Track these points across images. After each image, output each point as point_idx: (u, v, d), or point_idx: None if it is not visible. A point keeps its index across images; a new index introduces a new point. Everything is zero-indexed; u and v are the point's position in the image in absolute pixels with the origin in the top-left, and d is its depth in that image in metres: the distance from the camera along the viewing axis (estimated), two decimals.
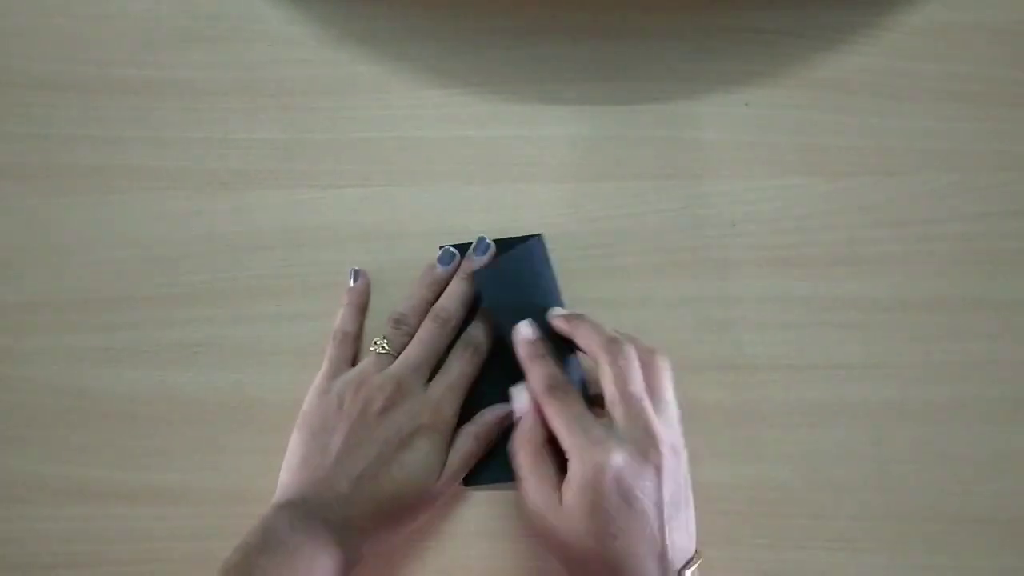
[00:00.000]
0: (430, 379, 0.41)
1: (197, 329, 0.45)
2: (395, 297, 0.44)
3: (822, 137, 0.46)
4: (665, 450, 0.36)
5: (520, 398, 0.40)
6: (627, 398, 0.37)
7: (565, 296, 0.44)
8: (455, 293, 0.43)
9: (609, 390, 0.38)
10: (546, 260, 0.44)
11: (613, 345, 0.38)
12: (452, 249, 0.45)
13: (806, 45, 0.48)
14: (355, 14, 0.48)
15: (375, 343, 0.42)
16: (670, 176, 0.46)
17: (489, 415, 0.42)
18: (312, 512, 0.37)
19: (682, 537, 0.36)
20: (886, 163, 0.46)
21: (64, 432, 0.44)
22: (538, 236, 0.45)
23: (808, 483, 0.42)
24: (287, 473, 0.40)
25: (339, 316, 0.44)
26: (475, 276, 0.43)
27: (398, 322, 0.43)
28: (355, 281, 0.45)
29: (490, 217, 0.46)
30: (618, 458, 0.35)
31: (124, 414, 0.44)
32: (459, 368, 0.42)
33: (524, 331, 0.41)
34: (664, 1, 0.48)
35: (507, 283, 0.43)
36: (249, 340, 0.45)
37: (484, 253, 0.44)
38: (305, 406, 0.42)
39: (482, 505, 0.42)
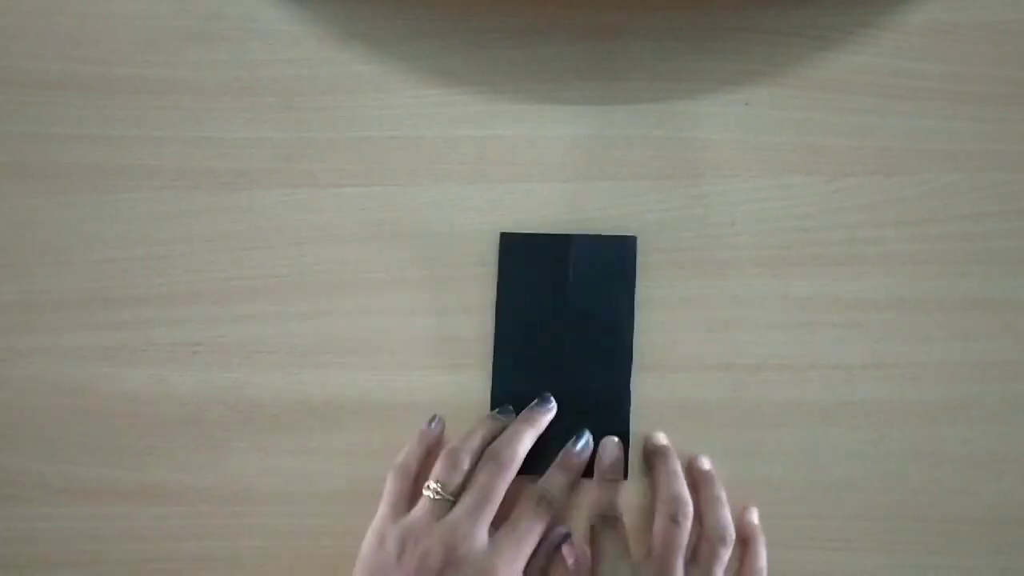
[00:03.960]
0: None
1: (197, 329, 0.45)
2: (395, 299, 0.44)
3: (822, 137, 0.46)
4: None
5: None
6: (662, 560, 0.39)
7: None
8: (518, 437, 0.41)
9: (654, 542, 0.40)
10: (633, 263, 0.45)
11: (675, 504, 0.40)
12: (510, 407, 0.43)
13: (806, 45, 0.47)
14: (355, 14, 0.48)
15: (428, 487, 0.40)
16: (670, 176, 0.46)
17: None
18: None
19: None
20: (886, 163, 0.46)
21: (64, 432, 0.44)
22: (634, 237, 0.45)
23: (808, 483, 0.42)
24: None
25: (404, 452, 0.42)
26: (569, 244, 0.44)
27: (453, 463, 0.40)
28: (431, 425, 0.43)
29: (490, 217, 0.46)
30: None
31: (124, 414, 0.44)
32: (527, 525, 0.39)
33: (609, 451, 0.42)
34: (664, 1, 0.48)
35: (596, 270, 0.44)
36: (249, 340, 0.45)
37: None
38: (364, 549, 0.39)
39: None
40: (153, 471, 0.43)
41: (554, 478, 0.41)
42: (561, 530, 0.42)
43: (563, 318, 0.44)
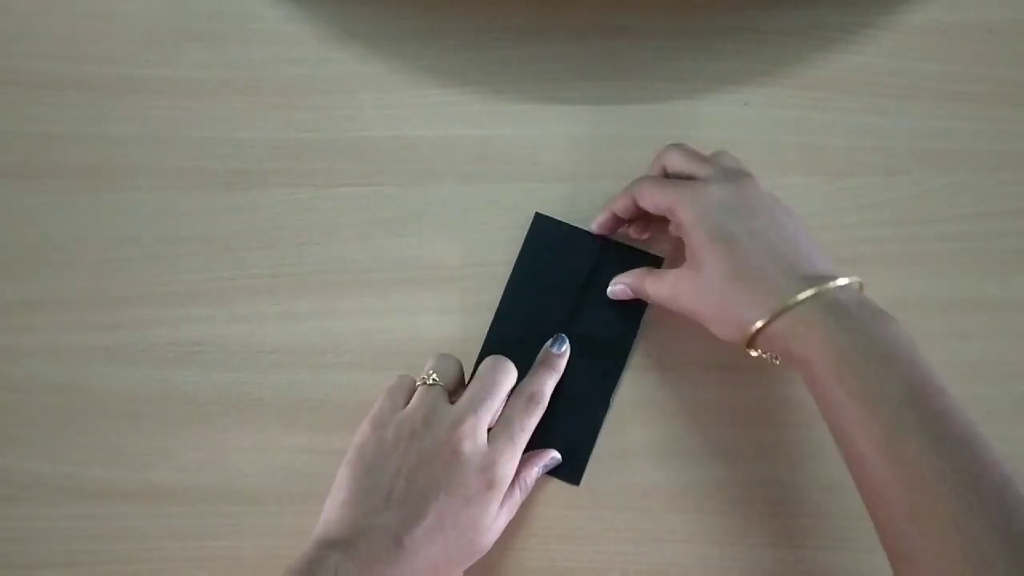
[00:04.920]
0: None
1: (197, 328, 0.45)
2: (395, 299, 0.45)
3: (822, 137, 0.46)
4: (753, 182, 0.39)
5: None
6: (705, 159, 0.41)
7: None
8: (537, 377, 0.41)
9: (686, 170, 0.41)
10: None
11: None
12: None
13: (806, 45, 0.48)
14: (355, 13, 0.48)
15: (424, 375, 0.40)
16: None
17: (531, 475, 0.41)
18: (360, 557, 0.34)
19: (821, 259, 0.38)
20: (886, 163, 0.46)
21: (64, 432, 0.44)
22: (661, 258, 0.45)
23: (808, 483, 0.42)
24: (333, 509, 0.37)
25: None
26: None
27: (446, 356, 0.41)
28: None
29: (490, 217, 0.46)
30: (715, 188, 0.38)
31: (124, 413, 0.44)
32: (519, 422, 0.39)
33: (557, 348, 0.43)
34: (664, 1, 0.48)
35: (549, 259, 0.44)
36: (249, 340, 0.45)
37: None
38: (358, 438, 0.38)
39: None
40: (153, 471, 0.43)
41: (540, 376, 0.41)
42: (555, 455, 0.42)
43: (569, 314, 0.44)
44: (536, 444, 0.41)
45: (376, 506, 0.36)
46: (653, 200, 0.40)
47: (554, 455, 0.42)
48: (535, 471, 0.41)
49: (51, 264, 0.46)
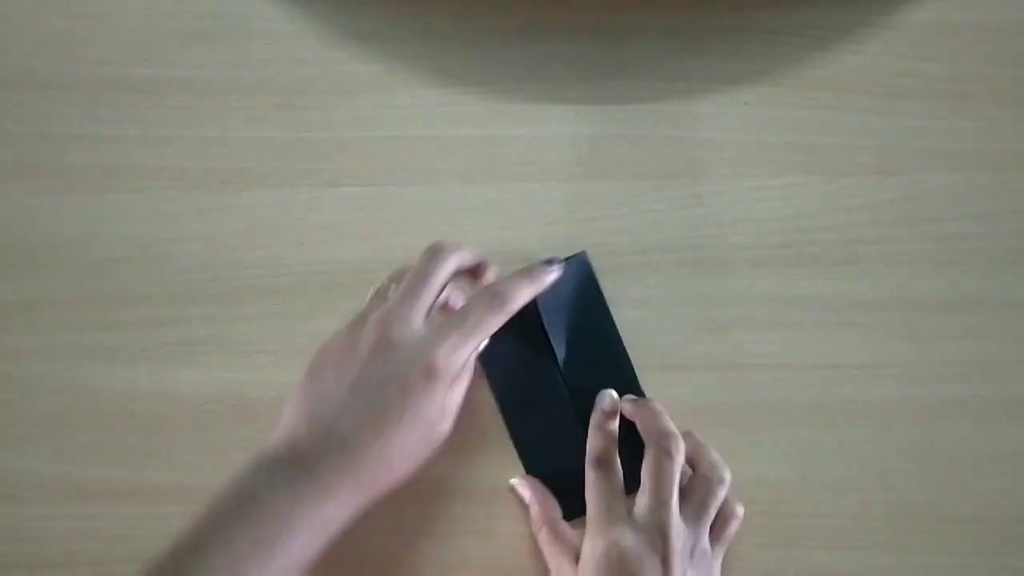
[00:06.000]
0: None
1: (197, 329, 0.45)
2: None
3: (822, 137, 0.46)
4: (674, 546, 0.36)
5: (522, 488, 0.42)
6: (656, 494, 0.38)
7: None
8: (512, 281, 0.39)
9: (644, 477, 0.39)
10: (593, 277, 0.44)
11: (664, 439, 0.39)
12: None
13: (806, 45, 0.48)
14: (355, 13, 0.48)
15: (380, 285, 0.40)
16: (670, 176, 0.46)
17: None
18: (310, 467, 0.34)
19: None
20: (886, 163, 0.46)
21: (64, 432, 0.44)
22: (583, 253, 0.45)
23: (807, 483, 0.42)
24: (285, 415, 0.37)
25: (382, 280, 0.41)
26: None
27: (404, 269, 0.40)
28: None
29: (490, 217, 0.46)
30: (627, 539, 0.37)
31: (123, 413, 0.44)
32: (475, 316, 0.37)
33: (606, 402, 0.42)
34: (664, 1, 0.48)
35: (563, 297, 0.43)
36: (249, 340, 0.45)
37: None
38: (317, 352, 0.39)
39: (482, 505, 0.42)
40: (153, 471, 0.43)
41: (515, 280, 0.39)
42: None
43: (550, 354, 0.43)
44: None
45: (317, 411, 0.36)
46: (643, 429, 0.40)
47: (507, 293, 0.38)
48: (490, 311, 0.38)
49: (51, 264, 0.46)
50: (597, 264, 0.45)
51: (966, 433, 0.43)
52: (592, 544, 0.38)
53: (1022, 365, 0.43)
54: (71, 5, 0.49)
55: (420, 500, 0.42)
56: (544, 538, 0.40)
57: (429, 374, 0.35)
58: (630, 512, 0.38)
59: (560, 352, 0.43)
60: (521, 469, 0.43)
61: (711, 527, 0.39)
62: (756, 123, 0.47)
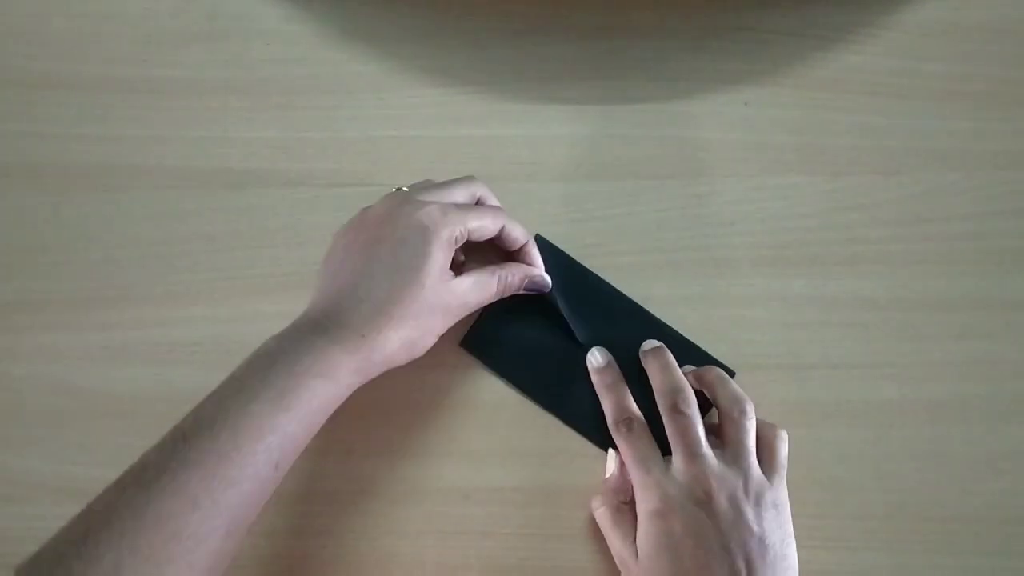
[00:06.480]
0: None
1: (197, 328, 0.45)
2: None
3: (822, 137, 0.46)
4: (718, 494, 0.37)
5: (610, 460, 0.42)
6: (684, 450, 0.39)
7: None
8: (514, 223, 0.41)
9: (669, 437, 0.40)
10: (557, 248, 0.45)
11: (671, 395, 0.40)
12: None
13: (806, 45, 0.48)
14: (354, 13, 0.48)
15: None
16: (670, 175, 0.46)
17: (516, 276, 0.41)
18: (331, 340, 0.36)
19: None
20: (886, 163, 0.46)
21: (64, 432, 0.44)
22: (536, 236, 0.45)
23: (808, 482, 0.42)
24: (318, 290, 0.39)
25: None
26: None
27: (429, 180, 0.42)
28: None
29: None
30: (671, 500, 0.37)
31: (123, 413, 0.44)
32: (466, 211, 0.39)
33: (595, 360, 0.43)
34: (664, 1, 0.48)
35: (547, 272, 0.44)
36: (249, 339, 0.44)
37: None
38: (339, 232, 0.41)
39: (482, 505, 0.42)
40: None
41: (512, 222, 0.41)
42: (543, 275, 0.42)
43: (560, 324, 0.44)
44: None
45: (343, 296, 0.37)
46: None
47: (542, 275, 0.42)
48: (519, 275, 0.41)
49: (51, 264, 0.46)
50: (597, 264, 0.45)
51: (966, 433, 0.43)
52: (643, 511, 0.38)
53: (1022, 365, 0.43)
54: (71, 5, 0.49)
55: (420, 500, 0.42)
56: (605, 517, 0.40)
57: (421, 227, 0.37)
58: (669, 468, 0.39)
59: (570, 320, 0.43)
60: (520, 469, 0.43)
61: (761, 459, 0.39)
62: (756, 123, 0.47)
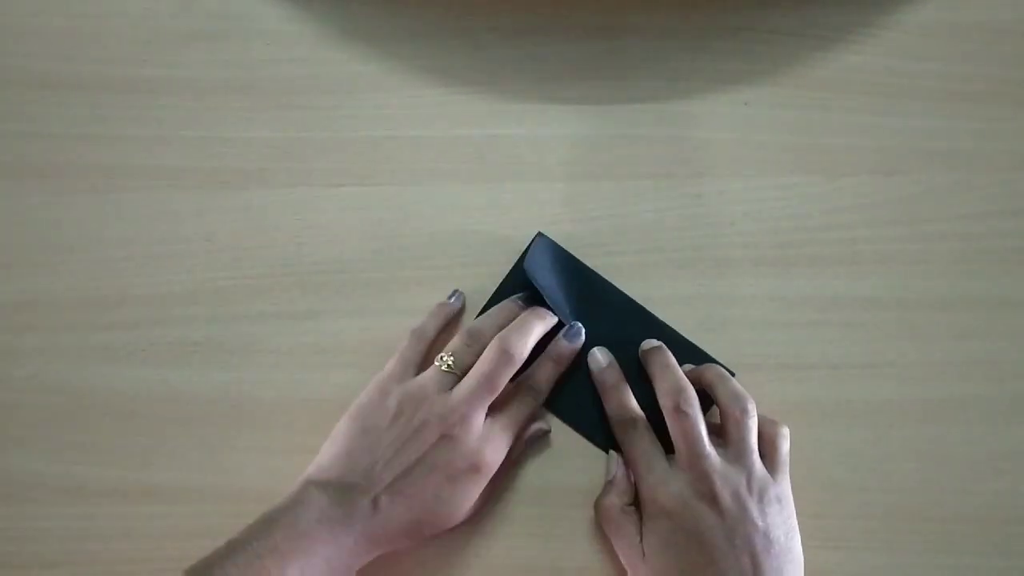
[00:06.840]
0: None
1: (196, 329, 0.45)
2: (395, 299, 0.45)
3: (822, 137, 0.46)
4: (722, 492, 0.37)
5: (611, 461, 0.42)
6: (687, 449, 0.39)
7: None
8: (528, 329, 0.41)
9: (672, 438, 0.39)
10: (560, 248, 0.45)
11: (673, 396, 0.40)
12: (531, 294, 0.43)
13: (806, 45, 0.48)
14: (354, 13, 0.48)
15: (441, 358, 0.40)
16: (669, 175, 0.46)
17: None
18: (339, 507, 0.36)
19: None
20: (886, 163, 0.46)
21: (64, 432, 0.44)
22: (538, 234, 0.45)
23: (808, 482, 0.42)
24: (326, 456, 0.39)
25: (423, 320, 0.43)
26: (526, 265, 0.43)
27: (471, 339, 0.41)
28: (452, 299, 0.44)
29: (490, 217, 0.46)
30: (675, 499, 0.38)
31: (123, 413, 0.44)
32: (517, 411, 0.41)
33: (596, 360, 0.43)
34: (664, 1, 0.48)
35: (549, 270, 0.43)
36: (249, 340, 0.45)
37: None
38: (363, 397, 0.40)
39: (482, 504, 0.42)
40: (153, 471, 0.43)
41: (543, 369, 0.42)
42: (541, 426, 0.42)
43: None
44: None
45: (364, 467, 0.38)
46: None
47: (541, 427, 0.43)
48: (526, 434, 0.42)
49: (51, 264, 0.46)
50: (597, 264, 0.45)
51: (966, 433, 0.43)
52: (648, 511, 0.39)
53: (1022, 365, 0.43)
54: (71, 5, 0.49)
55: None
56: (607, 519, 0.40)
57: (476, 469, 0.38)
58: (673, 467, 0.39)
59: (569, 319, 0.43)
60: (521, 469, 0.43)
61: (764, 455, 0.39)
62: (756, 123, 0.47)
